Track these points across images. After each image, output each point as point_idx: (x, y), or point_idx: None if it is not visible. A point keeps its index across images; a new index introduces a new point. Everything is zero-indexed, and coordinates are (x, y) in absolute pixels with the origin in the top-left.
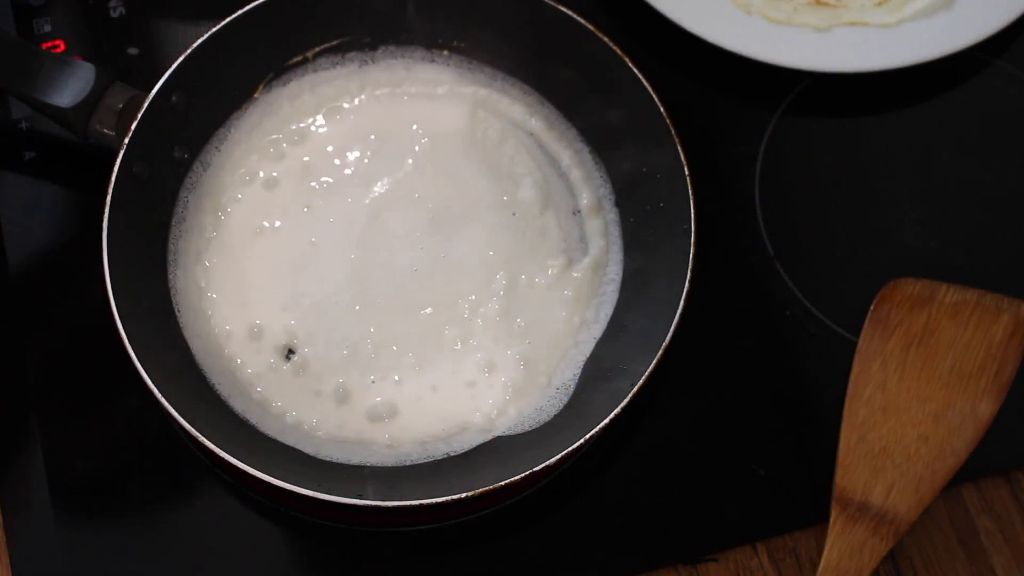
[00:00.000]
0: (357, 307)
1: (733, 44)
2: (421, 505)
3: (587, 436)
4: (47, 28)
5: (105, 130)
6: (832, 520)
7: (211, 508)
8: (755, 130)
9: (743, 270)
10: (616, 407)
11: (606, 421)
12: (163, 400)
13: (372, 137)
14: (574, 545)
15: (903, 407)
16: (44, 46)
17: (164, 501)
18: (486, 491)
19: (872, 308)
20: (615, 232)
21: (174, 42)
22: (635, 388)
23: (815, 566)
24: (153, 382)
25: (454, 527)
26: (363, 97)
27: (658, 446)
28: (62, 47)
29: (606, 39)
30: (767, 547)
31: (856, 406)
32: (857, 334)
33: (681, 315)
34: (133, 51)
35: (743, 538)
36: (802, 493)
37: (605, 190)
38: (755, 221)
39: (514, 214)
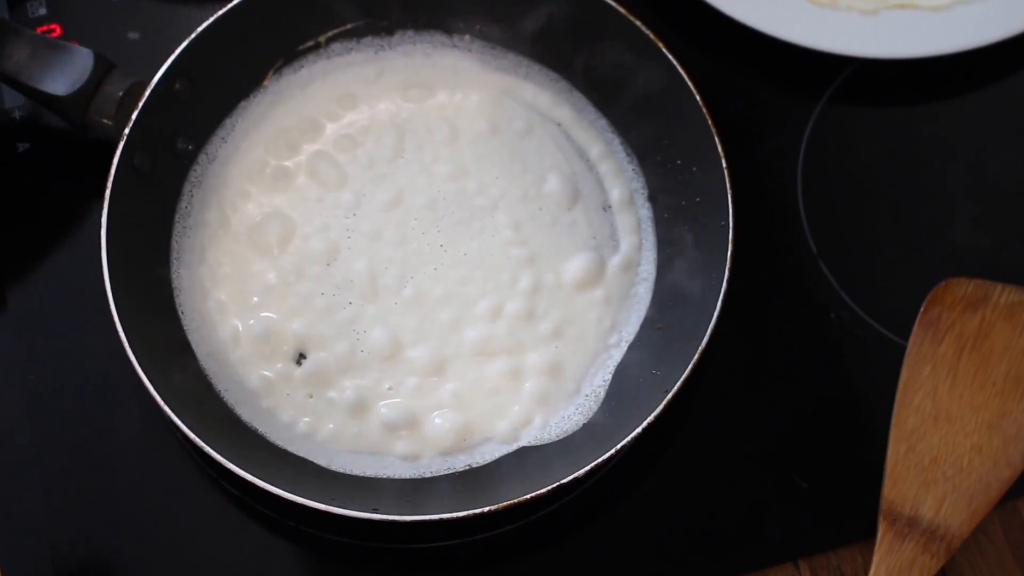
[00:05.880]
0: (373, 308)
1: (774, 28)
2: (441, 520)
3: (618, 447)
4: (42, 11)
5: (104, 120)
6: (879, 536)
7: (217, 522)
8: (797, 120)
9: (785, 269)
10: (649, 415)
11: (638, 430)
12: (165, 407)
13: (388, 127)
14: (603, 562)
15: (955, 415)
16: (39, 30)
17: (166, 514)
18: (510, 505)
19: (922, 310)
20: (648, 228)
21: (178, 26)
22: (670, 395)
23: None
24: (155, 388)
25: (476, 544)
26: (379, 85)
27: (693, 457)
28: (58, 31)
29: (638, 22)
30: (810, 565)
31: (905, 414)
32: (906, 338)
33: (719, 317)
34: (134, 36)
35: (784, 555)
36: (847, 507)
37: (637, 184)
38: (797, 217)
39: (540, 209)
